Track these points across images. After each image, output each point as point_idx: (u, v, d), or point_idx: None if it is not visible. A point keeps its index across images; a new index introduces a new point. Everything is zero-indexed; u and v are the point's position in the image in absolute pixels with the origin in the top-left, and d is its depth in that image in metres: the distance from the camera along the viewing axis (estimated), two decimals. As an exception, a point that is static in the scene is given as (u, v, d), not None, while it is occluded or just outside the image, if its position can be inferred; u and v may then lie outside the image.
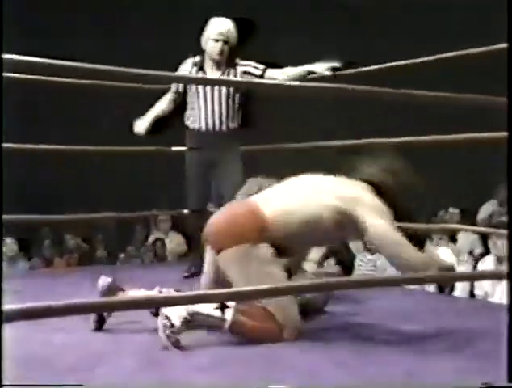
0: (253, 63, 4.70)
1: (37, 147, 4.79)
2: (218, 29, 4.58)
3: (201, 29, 4.65)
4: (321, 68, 4.42)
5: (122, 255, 7.97)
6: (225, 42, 4.58)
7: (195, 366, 2.69)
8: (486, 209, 7.37)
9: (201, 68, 4.67)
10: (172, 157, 5.12)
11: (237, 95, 4.72)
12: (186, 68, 4.70)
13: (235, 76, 4.65)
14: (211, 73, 4.65)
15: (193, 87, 4.69)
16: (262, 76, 4.64)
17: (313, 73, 4.47)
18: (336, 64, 4.39)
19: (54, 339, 3.08)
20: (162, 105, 4.81)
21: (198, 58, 4.68)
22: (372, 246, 5.47)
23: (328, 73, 4.38)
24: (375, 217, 3.12)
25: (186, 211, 5.02)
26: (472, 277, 4.61)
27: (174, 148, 4.96)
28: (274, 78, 4.59)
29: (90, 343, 3.09)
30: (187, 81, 4.45)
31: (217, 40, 4.57)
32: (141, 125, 4.72)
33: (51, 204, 7.59)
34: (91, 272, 4.24)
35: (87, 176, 8.81)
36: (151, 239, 8.16)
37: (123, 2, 9.17)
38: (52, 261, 7.67)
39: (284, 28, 8.44)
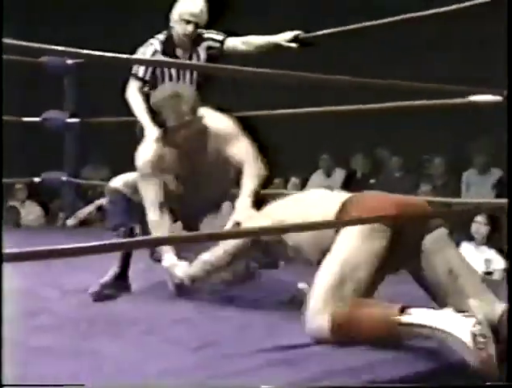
0: (213, 33, 4.28)
1: None
2: (191, 9, 4.09)
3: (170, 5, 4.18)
4: (283, 39, 4.18)
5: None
6: (196, 24, 4.11)
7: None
8: (315, 179, 7.86)
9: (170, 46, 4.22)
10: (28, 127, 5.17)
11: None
12: (155, 48, 4.19)
13: (200, 51, 4.26)
14: (181, 52, 4.22)
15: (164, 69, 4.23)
16: (222, 44, 4.25)
17: (279, 46, 4.21)
18: (297, 32, 4.17)
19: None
20: (140, 99, 4.19)
21: (162, 36, 4.21)
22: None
23: (293, 45, 4.16)
24: None
25: (38, 180, 5.14)
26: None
27: (26, 119, 5.01)
28: (235, 48, 4.25)
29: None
30: (156, 64, 4.22)
31: (189, 22, 4.09)
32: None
33: None
34: None
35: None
36: (5, 207, 8.05)
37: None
38: None
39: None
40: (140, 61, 3.87)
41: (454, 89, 3.35)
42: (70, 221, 6.21)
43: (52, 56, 4.65)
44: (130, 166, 3.54)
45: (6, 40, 1.94)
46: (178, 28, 4.10)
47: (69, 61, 5.01)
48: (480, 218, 5.51)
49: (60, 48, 2.03)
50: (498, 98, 3.27)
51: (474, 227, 5.59)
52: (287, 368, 2.31)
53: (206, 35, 4.22)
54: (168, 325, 2.84)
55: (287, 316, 2.89)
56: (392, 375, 2.26)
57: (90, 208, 6.96)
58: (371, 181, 7.51)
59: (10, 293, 3.25)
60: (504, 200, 3.00)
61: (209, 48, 4.23)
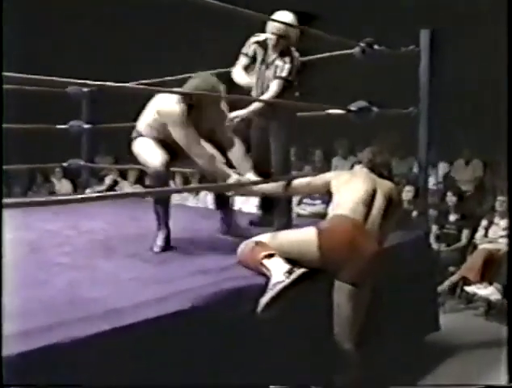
0: (286, 62, 3.22)
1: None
2: (273, 23, 3.16)
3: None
4: None
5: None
6: (281, 36, 3.17)
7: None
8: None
9: (265, 49, 3.30)
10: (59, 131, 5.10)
11: None
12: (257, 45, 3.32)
13: (291, 60, 3.21)
14: (272, 54, 3.26)
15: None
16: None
17: None
18: None
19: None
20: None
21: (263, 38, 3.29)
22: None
23: None
24: None
25: (65, 164, 5.17)
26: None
27: (58, 126, 4.94)
28: None
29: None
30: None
31: (274, 34, 3.19)
32: None
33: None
34: None
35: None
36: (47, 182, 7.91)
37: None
38: None
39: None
40: (135, 90, 3.01)
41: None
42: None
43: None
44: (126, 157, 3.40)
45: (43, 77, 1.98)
46: (268, 38, 3.26)
47: (85, 89, 4.94)
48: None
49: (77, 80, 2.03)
50: (343, 112, 3.27)
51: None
52: (203, 274, 2.37)
53: (295, 54, 3.28)
54: (144, 252, 2.79)
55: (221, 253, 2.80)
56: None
57: (106, 183, 6.94)
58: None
59: (45, 232, 3.35)
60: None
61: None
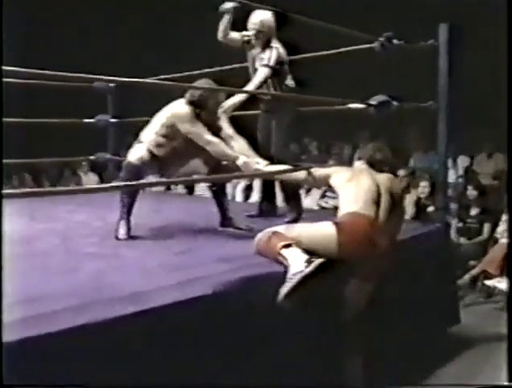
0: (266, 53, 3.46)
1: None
2: (251, 20, 3.48)
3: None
4: None
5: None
6: (258, 31, 3.45)
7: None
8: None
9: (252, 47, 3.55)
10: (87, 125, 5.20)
11: None
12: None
13: (271, 51, 3.42)
14: (257, 49, 3.53)
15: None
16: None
17: None
18: None
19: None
20: None
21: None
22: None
23: None
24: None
25: (93, 157, 5.29)
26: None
27: (86, 120, 5.05)
28: None
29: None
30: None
31: (251, 29, 3.49)
32: None
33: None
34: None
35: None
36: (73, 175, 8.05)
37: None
38: None
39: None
40: (160, 86, 3.26)
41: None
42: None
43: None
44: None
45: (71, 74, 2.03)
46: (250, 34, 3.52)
47: (111, 85, 5.04)
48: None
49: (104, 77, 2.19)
50: (363, 106, 3.31)
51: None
52: (222, 262, 2.45)
53: (274, 45, 3.47)
54: (166, 240, 2.96)
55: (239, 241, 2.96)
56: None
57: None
58: (302, 157, 7.49)
59: (75, 224, 3.47)
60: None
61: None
